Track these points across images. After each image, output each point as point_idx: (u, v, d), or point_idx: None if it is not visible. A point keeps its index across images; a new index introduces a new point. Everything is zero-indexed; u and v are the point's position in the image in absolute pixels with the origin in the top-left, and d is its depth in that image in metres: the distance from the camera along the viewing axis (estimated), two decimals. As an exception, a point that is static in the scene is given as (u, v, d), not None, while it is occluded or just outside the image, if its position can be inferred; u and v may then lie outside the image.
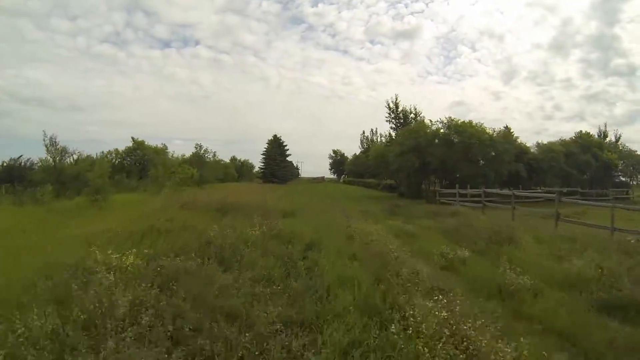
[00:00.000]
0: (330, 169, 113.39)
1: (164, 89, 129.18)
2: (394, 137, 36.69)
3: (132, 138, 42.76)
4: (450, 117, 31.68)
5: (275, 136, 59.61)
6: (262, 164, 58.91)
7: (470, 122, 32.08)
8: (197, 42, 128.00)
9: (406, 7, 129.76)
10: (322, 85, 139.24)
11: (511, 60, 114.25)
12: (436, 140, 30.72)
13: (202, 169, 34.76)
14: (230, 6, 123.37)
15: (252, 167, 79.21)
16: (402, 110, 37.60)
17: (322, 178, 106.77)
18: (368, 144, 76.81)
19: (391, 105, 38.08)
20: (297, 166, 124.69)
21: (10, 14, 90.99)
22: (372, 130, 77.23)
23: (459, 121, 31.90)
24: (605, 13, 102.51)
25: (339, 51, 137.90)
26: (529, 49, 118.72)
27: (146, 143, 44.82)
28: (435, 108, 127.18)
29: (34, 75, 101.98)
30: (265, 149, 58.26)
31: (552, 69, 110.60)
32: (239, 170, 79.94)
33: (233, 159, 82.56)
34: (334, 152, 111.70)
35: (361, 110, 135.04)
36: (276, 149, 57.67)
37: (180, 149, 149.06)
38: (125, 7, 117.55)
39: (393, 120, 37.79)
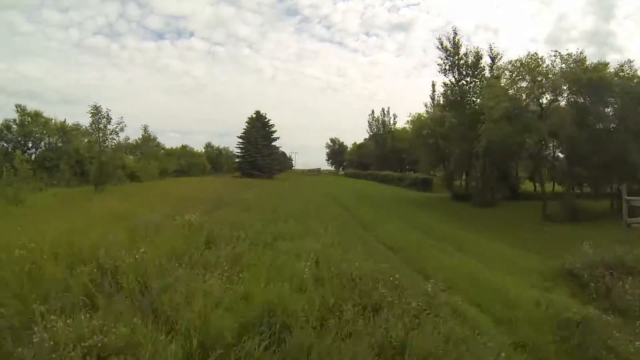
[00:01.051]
0: (328, 160, 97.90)
1: (158, 81, 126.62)
2: (458, 96, 20.92)
3: (17, 107, 26.19)
4: (580, 52, 16.01)
5: (258, 112, 43.37)
6: (240, 151, 42.72)
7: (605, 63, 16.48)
8: (191, 34, 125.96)
9: (402, 0, 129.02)
10: (317, 77, 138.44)
11: (506, 54, 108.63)
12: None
13: (101, 157, 18.57)
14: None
15: (234, 156, 63.22)
16: (469, 52, 21.76)
17: (318, 170, 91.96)
18: (378, 126, 60.95)
19: (446, 44, 22.16)
20: (290, 157, 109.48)
21: (0, 7, 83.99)
22: (383, 110, 61.15)
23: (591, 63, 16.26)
24: (601, 9, 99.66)
25: (334, 43, 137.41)
26: (524, 43, 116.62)
27: (46, 115, 28.29)
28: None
29: (25, 68, 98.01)
30: (244, 130, 41.99)
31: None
32: (215, 160, 63.67)
33: (208, 146, 66.31)
34: (332, 141, 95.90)
35: (356, 103, 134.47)
36: (258, 129, 41.45)
37: (174, 142, 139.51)
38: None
39: (452, 69, 21.96)
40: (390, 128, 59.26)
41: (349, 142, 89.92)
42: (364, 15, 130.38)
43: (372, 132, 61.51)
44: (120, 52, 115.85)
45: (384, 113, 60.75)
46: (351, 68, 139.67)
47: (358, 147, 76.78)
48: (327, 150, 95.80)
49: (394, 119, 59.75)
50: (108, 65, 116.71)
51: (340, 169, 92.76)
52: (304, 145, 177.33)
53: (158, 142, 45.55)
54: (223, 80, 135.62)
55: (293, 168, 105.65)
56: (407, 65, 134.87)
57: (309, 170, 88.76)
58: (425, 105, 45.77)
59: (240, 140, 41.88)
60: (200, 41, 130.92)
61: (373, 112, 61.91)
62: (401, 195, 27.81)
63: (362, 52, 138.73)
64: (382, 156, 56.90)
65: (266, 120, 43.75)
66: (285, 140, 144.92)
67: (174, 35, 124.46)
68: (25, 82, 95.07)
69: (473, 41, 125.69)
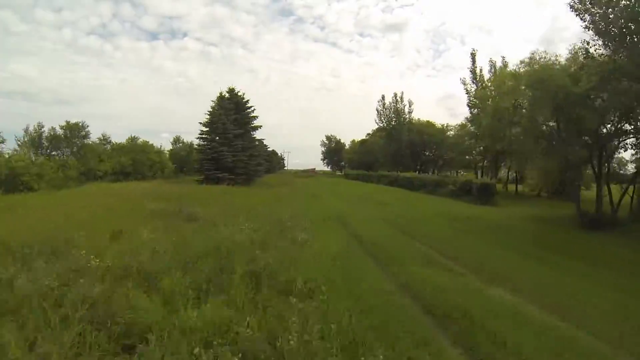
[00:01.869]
0: (323, 159, 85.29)
1: (151, 81, 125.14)
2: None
3: None
4: None
5: (231, 90, 30.63)
6: (202, 144, 29.75)
7: None
8: (185, 34, 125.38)
9: (396, 0, 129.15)
10: (311, 78, 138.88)
11: (501, 54, 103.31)
12: None
13: None
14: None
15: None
16: None
17: (314, 170, 79.39)
18: (389, 116, 48.70)
19: None
20: (282, 156, 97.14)
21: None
22: (395, 95, 48.77)
23: None
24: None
25: (328, 43, 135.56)
26: (519, 43, 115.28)
27: None
28: (424, 101, 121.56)
29: (18, 68, 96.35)
30: (208, 113, 29.09)
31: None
32: (184, 158, 50.45)
33: (176, 141, 53.16)
34: (328, 138, 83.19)
35: (351, 103, 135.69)
36: (228, 112, 28.66)
37: (168, 143, 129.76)
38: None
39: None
40: (406, 117, 47.12)
41: (344, 141, 78.39)
42: (358, 16, 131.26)
43: (383, 123, 49.01)
44: (114, 52, 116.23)
45: (397, 100, 48.44)
46: (345, 68, 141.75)
47: (360, 144, 64.34)
48: (323, 149, 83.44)
49: (410, 106, 47.59)
50: (102, 66, 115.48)
51: (337, 168, 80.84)
52: (298, 145, 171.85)
53: (87, 132, 32.70)
54: (217, 81, 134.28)
55: (285, 168, 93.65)
56: (401, 66, 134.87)
57: (303, 171, 76.23)
58: (464, 83, 33.84)
59: (204, 129, 28.98)
60: (194, 41, 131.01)
61: (383, 97, 49.42)
62: (467, 215, 15.47)
63: (356, 52, 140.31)
64: (396, 153, 44.73)
65: (243, 100, 30.99)
66: (279, 141, 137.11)
67: (168, 36, 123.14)
68: (19, 83, 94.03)
69: (466, 42, 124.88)
